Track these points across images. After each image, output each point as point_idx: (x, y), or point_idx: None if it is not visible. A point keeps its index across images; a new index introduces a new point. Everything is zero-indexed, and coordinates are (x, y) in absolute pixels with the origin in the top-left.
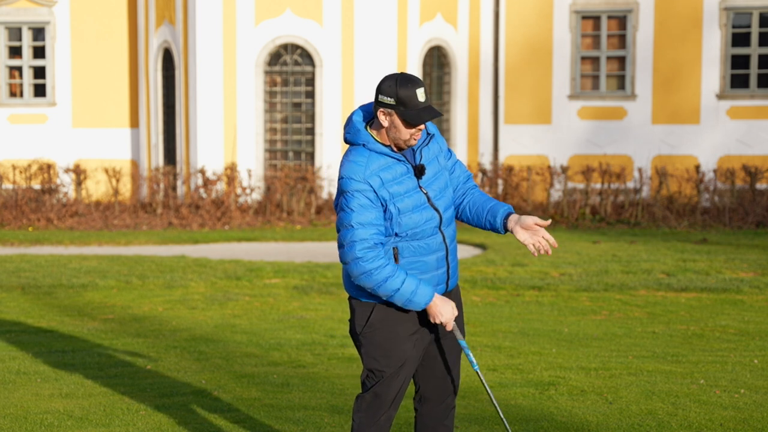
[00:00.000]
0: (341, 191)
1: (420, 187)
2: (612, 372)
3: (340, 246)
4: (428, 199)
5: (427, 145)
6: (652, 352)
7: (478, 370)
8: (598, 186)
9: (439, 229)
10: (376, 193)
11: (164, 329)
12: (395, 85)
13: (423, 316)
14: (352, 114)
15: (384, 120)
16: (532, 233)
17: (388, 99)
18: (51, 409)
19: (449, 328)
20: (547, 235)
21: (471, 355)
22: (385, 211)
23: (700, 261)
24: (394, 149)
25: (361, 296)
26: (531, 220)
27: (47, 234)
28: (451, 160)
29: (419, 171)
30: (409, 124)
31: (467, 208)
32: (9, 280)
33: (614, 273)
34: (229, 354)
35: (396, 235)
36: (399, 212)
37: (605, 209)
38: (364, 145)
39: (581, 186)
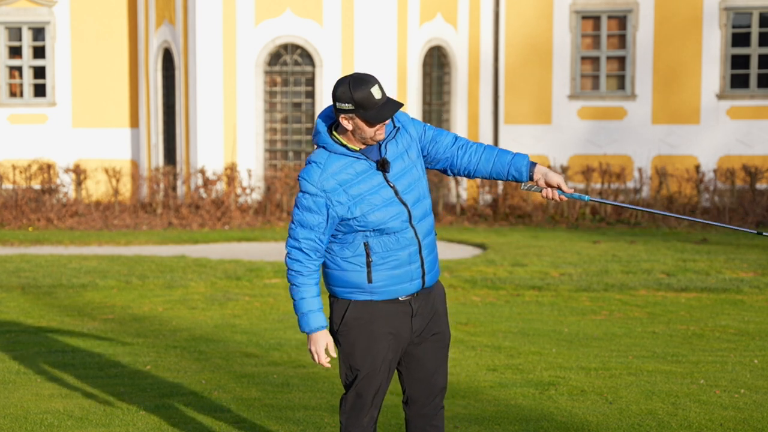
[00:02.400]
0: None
1: (387, 182)
2: (612, 372)
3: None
4: (396, 193)
5: (393, 138)
6: (652, 352)
7: (588, 198)
8: (598, 186)
9: (410, 224)
10: (329, 198)
11: (164, 329)
12: (349, 90)
13: (398, 316)
14: (317, 119)
15: (348, 124)
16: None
17: (346, 105)
18: (51, 409)
19: (318, 361)
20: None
21: (577, 194)
22: (348, 211)
23: (700, 261)
24: (355, 147)
25: (337, 293)
26: (557, 178)
27: (47, 234)
28: (426, 134)
29: (382, 165)
30: (372, 123)
31: (480, 163)
32: (9, 280)
33: (614, 273)
34: (229, 354)
35: (364, 230)
36: (362, 212)
37: (605, 209)
38: (324, 147)
39: (581, 186)
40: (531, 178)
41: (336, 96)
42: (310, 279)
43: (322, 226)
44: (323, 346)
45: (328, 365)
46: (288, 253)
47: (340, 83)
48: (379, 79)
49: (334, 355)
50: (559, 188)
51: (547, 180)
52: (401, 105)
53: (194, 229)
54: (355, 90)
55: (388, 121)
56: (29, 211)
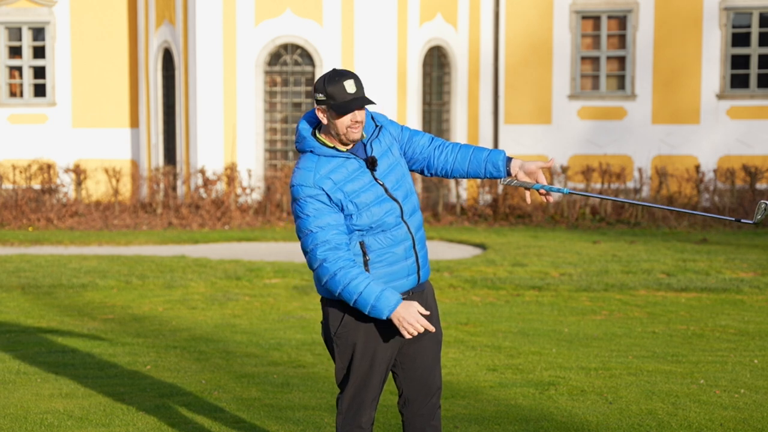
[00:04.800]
0: (294, 199)
1: (376, 179)
2: (612, 372)
3: (305, 253)
4: (386, 190)
5: (377, 137)
6: (652, 352)
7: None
8: (598, 186)
9: (402, 219)
10: (329, 196)
11: (164, 329)
12: (324, 82)
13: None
14: (299, 123)
15: (323, 117)
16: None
17: (320, 95)
18: (51, 409)
19: (419, 330)
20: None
21: (554, 186)
22: (342, 210)
23: (700, 261)
24: (343, 148)
25: (334, 297)
26: (534, 165)
27: (47, 234)
28: (404, 135)
29: (371, 163)
30: (339, 114)
31: (457, 161)
32: (9, 280)
33: (614, 273)
34: (229, 354)
35: (359, 230)
36: (358, 209)
37: (605, 209)
38: (311, 151)
39: (581, 186)
40: (509, 174)
41: (315, 87)
42: (357, 268)
43: (339, 218)
44: (415, 313)
45: (432, 328)
46: (323, 260)
47: (321, 76)
48: (379, 79)
49: (427, 313)
50: (537, 182)
51: (526, 170)
52: (373, 102)
53: (194, 229)
54: (329, 81)
55: (362, 120)
56: (29, 211)
